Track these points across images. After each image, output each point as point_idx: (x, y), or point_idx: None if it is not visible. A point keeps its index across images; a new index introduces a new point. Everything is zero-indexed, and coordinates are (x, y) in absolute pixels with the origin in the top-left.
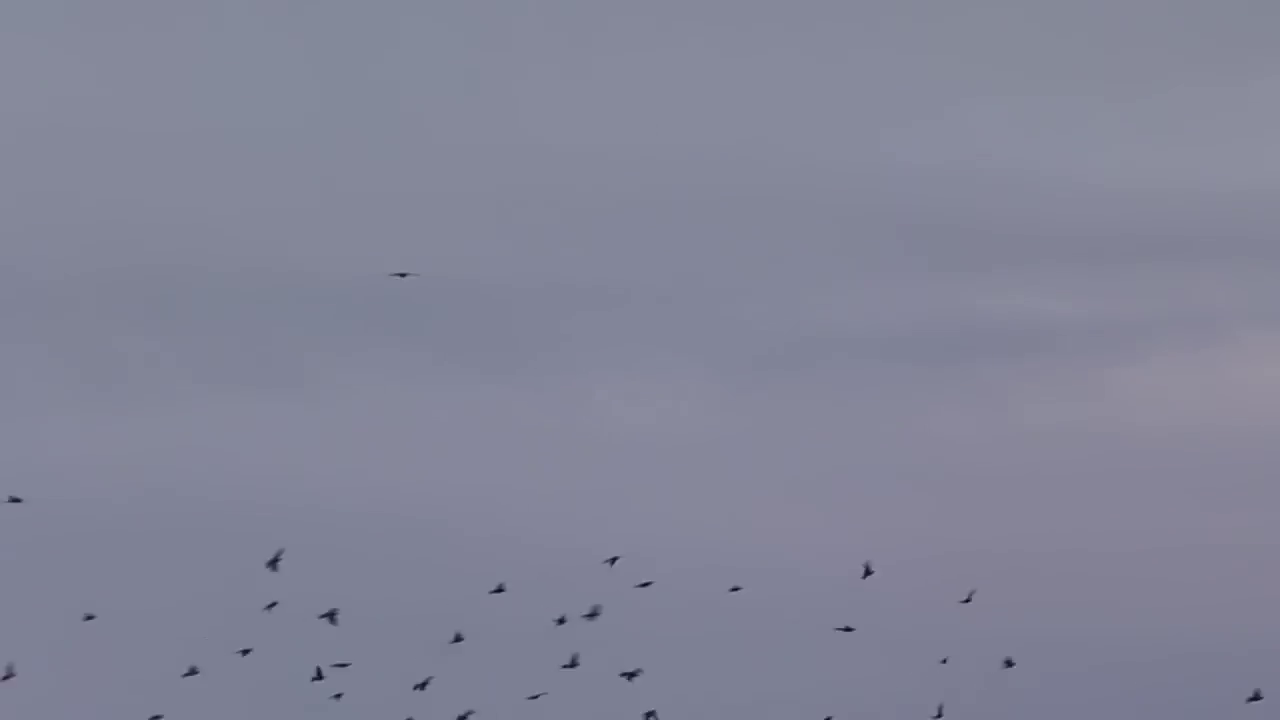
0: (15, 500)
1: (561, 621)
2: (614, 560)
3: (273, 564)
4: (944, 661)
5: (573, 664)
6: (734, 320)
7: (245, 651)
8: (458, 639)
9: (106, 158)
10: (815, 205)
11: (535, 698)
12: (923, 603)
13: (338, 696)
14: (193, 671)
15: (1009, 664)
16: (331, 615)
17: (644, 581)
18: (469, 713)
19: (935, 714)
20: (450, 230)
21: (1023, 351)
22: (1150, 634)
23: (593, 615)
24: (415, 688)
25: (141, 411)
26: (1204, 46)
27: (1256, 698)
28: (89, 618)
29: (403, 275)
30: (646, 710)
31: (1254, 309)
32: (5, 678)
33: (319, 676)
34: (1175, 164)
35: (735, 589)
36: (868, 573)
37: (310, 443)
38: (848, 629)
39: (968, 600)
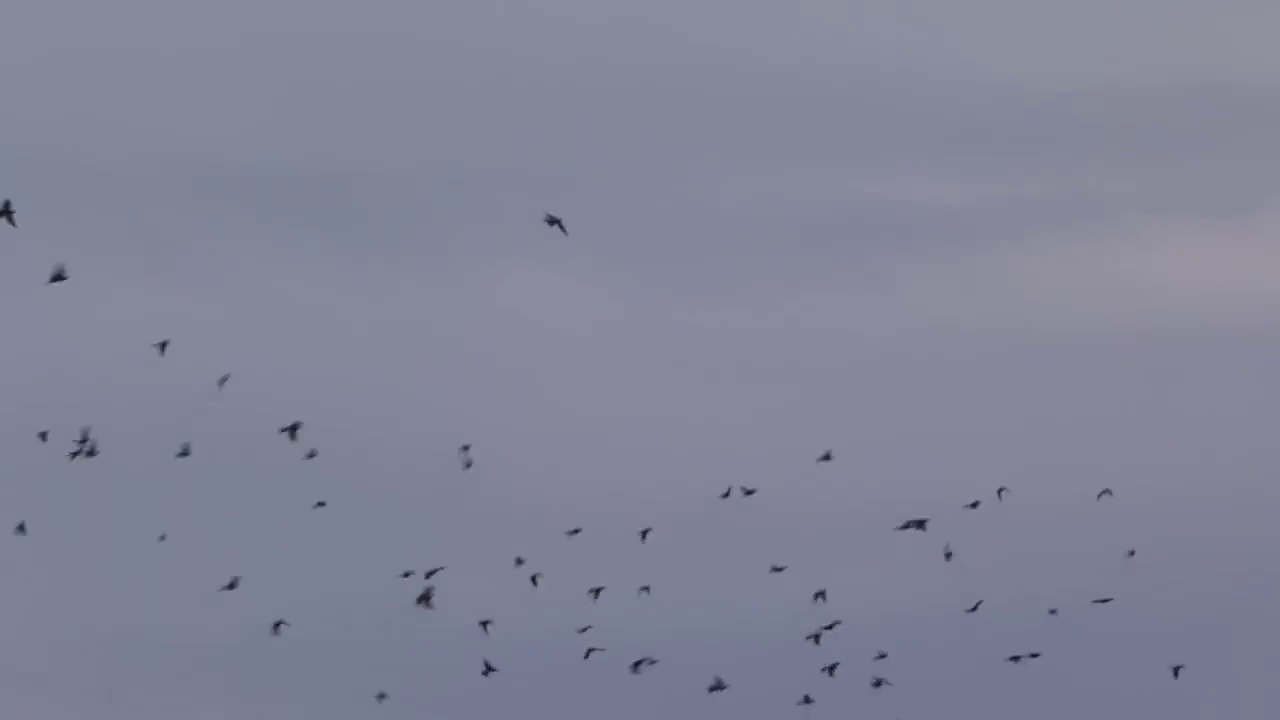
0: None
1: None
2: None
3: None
4: None
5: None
6: (618, 206)
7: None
8: None
9: None
10: (698, 91)
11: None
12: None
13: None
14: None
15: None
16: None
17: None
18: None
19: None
20: (347, 117)
21: (910, 236)
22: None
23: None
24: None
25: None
26: None
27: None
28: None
29: (555, 222)
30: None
31: (1142, 195)
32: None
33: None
34: (1064, 57)
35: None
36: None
37: (200, 330)
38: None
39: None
